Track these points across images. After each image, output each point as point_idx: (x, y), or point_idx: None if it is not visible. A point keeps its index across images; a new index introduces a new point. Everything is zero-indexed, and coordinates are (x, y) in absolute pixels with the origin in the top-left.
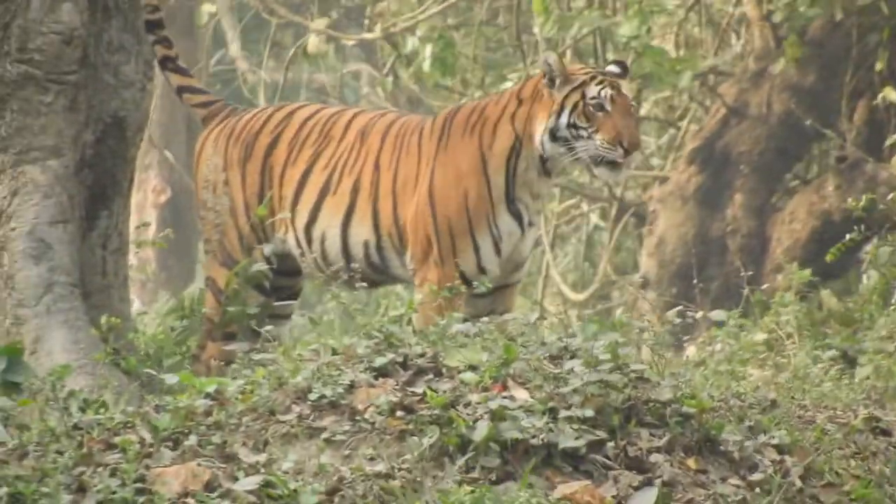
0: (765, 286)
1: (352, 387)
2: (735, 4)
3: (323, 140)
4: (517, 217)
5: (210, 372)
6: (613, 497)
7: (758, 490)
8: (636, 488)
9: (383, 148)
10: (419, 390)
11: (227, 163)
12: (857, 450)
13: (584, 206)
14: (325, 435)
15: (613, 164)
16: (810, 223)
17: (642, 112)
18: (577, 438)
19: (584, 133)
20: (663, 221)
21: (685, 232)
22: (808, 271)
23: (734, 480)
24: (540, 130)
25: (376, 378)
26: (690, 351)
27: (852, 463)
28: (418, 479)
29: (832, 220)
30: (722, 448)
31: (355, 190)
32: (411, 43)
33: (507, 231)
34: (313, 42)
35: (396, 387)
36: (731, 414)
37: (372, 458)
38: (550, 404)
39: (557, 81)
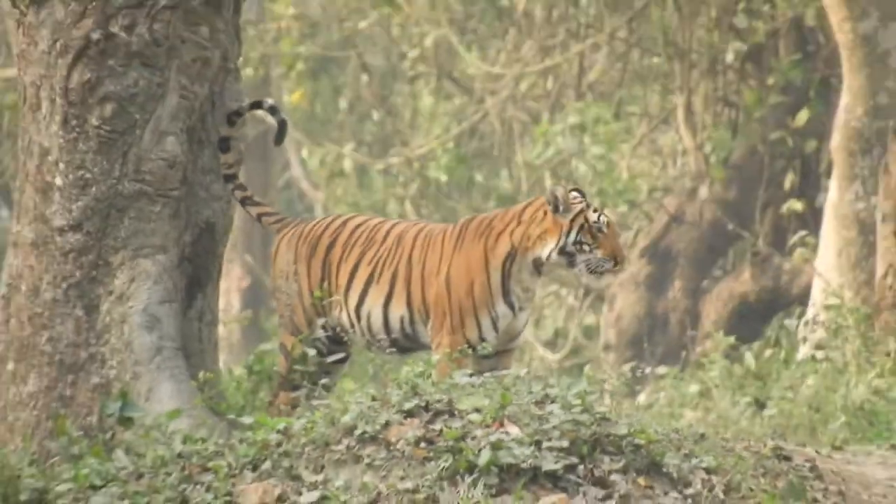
0: (698, 349)
1: (387, 424)
2: (678, 141)
3: (368, 242)
4: (510, 305)
5: (280, 414)
6: None
7: (691, 501)
8: (600, 500)
9: (414, 247)
10: (437, 427)
11: (297, 258)
12: (766, 471)
13: (563, 291)
14: (366, 461)
15: (602, 274)
16: (732, 302)
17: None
18: (556, 463)
19: (587, 249)
20: (620, 301)
21: (638, 309)
22: (730, 338)
23: (674, 494)
24: (551, 245)
25: (405, 418)
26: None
27: (762, 481)
28: (437, 493)
29: (748, 300)
30: (664, 470)
31: (394, 278)
32: (433, 167)
33: (502, 314)
34: (347, 164)
35: (420, 425)
36: (671, 444)
37: (402, 478)
38: (536, 437)
39: (561, 208)
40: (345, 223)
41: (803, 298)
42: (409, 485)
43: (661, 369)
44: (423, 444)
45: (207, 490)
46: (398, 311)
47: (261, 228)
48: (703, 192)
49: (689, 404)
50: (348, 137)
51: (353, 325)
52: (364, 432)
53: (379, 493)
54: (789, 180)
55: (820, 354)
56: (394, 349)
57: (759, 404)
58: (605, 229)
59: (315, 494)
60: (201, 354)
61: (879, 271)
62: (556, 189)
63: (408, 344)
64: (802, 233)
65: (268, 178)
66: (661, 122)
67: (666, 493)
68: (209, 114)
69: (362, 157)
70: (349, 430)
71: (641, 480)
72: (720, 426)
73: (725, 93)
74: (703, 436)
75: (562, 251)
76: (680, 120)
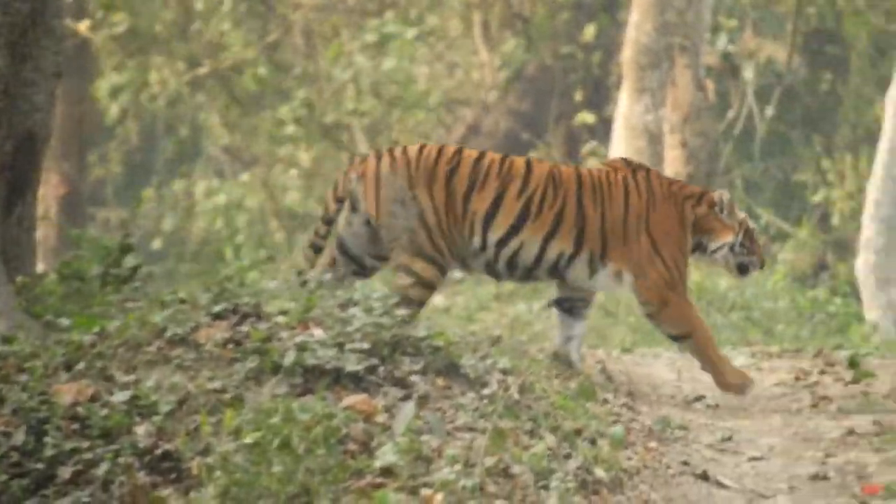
0: None
1: (196, 327)
2: (474, 53)
3: (507, 177)
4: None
5: None
6: (384, 406)
7: (487, 401)
8: (401, 400)
9: (583, 190)
10: (245, 329)
11: (412, 183)
12: (559, 372)
13: None
14: (176, 362)
15: (749, 272)
16: None
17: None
18: (358, 364)
19: (745, 251)
20: None
21: None
22: None
23: (471, 394)
24: (727, 241)
25: (214, 320)
26: (439, 301)
27: (555, 382)
28: (243, 393)
29: None
30: (462, 371)
31: (559, 217)
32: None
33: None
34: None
35: (228, 327)
36: (468, 346)
37: (210, 378)
38: (339, 339)
39: (726, 211)
40: (459, 154)
41: None
42: (216, 385)
43: (458, 274)
44: (230, 346)
45: (23, 390)
46: (561, 247)
47: (80, 138)
48: (497, 102)
49: (485, 308)
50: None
51: (484, 250)
52: (175, 334)
53: (188, 393)
54: (580, 93)
55: None
56: (525, 279)
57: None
58: (755, 236)
59: (126, 394)
60: (20, 259)
61: None
62: (725, 193)
63: (545, 277)
64: (593, 143)
65: (83, 93)
66: (459, 36)
67: (463, 394)
68: (30, 29)
69: (170, 71)
70: (160, 332)
71: (440, 381)
72: (516, 329)
73: (519, 9)
74: (499, 338)
75: (731, 248)
76: (476, 35)
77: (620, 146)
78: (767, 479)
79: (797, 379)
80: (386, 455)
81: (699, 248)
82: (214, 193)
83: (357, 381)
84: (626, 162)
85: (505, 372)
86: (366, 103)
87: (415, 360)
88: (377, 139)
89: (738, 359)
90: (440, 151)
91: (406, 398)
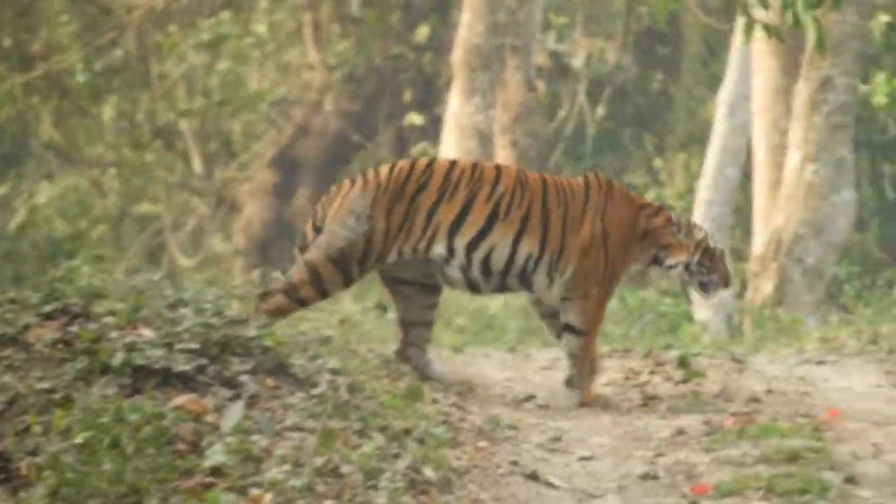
0: None
1: (26, 326)
2: (301, 54)
3: (476, 182)
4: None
5: (266, 313)
6: (213, 406)
7: (316, 401)
8: (230, 400)
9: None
10: (74, 329)
11: (374, 204)
12: (388, 372)
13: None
14: (6, 362)
15: (710, 291)
16: None
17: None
18: (187, 364)
19: (704, 270)
20: (249, 208)
21: (266, 216)
22: None
23: (300, 394)
24: (682, 259)
25: (44, 320)
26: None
27: (385, 382)
28: (73, 393)
29: None
30: (291, 371)
31: (525, 218)
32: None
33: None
34: None
35: (58, 327)
36: (298, 346)
37: (40, 379)
38: (168, 339)
39: (683, 231)
40: (430, 168)
41: None
42: (46, 385)
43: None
44: (60, 346)
45: None
46: (529, 248)
47: None
48: (328, 104)
49: (315, 308)
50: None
51: (451, 259)
52: (4, 334)
53: (17, 393)
54: (409, 93)
55: None
56: (500, 287)
57: (383, 308)
58: (717, 255)
59: None
60: None
61: None
62: (683, 215)
63: (516, 285)
64: (423, 143)
65: None
66: (290, 37)
67: (293, 394)
68: None
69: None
70: None
71: (269, 381)
72: (345, 329)
73: (350, 10)
74: (328, 338)
75: (686, 267)
76: (307, 35)
77: (451, 146)
78: (597, 478)
79: (627, 379)
80: (215, 455)
81: (656, 261)
82: (36, 194)
83: (186, 382)
84: (594, 173)
85: (334, 372)
86: (197, 102)
87: (244, 361)
88: (208, 143)
89: None
90: (411, 168)
91: (235, 398)
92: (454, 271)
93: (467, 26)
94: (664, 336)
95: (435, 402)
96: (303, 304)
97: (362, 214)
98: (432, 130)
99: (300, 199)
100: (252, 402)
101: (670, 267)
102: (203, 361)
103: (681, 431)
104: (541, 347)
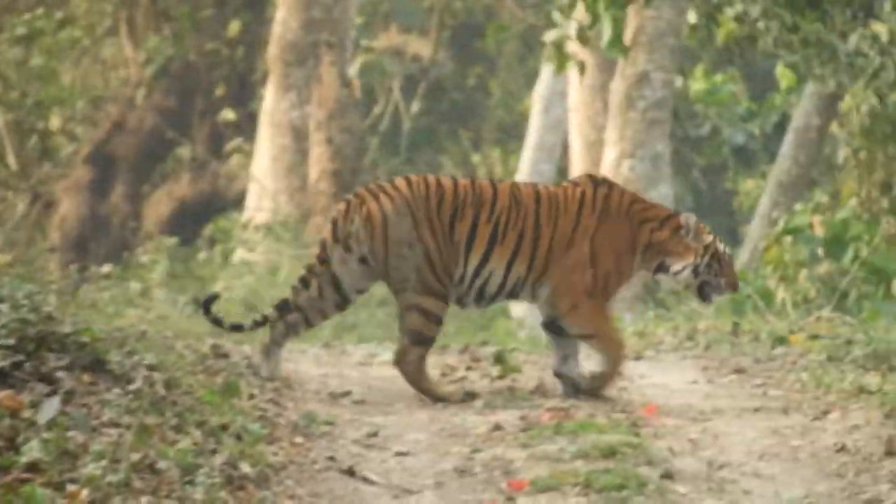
0: (139, 250)
1: None
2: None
3: (479, 202)
4: None
5: (412, 369)
6: (30, 402)
7: (133, 397)
8: (46, 395)
9: (540, 208)
10: None
11: (415, 222)
12: (205, 368)
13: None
14: None
15: (711, 295)
16: (171, 206)
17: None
18: (3, 360)
19: (713, 273)
20: (65, 204)
21: (82, 212)
22: (171, 240)
23: (117, 390)
24: (689, 262)
25: None
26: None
27: (202, 378)
28: None
29: (187, 203)
30: (108, 367)
31: (519, 239)
32: None
33: None
34: None
35: None
36: (114, 342)
37: None
38: None
39: (691, 234)
40: (439, 185)
41: (239, 203)
42: None
43: (105, 269)
44: None
45: None
46: (519, 271)
47: None
48: (143, 100)
49: (131, 303)
50: None
51: (463, 282)
52: None
53: None
54: (222, 89)
55: (255, 256)
56: (488, 305)
57: (198, 303)
58: (725, 259)
59: None
60: None
61: (312, 176)
62: (691, 217)
63: (503, 300)
64: (238, 140)
65: None
66: (106, 33)
67: (109, 389)
68: None
69: None
70: None
71: (86, 377)
72: (161, 324)
73: (165, 6)
74: (144, 333)
75: (695, 270)
76: (122, 32)
77: (265, 143)
78: (413, 474)
79: (444, 375)
80: (31, 451)
81: (661, 268)
82: None
83: (2, 378)
84: (591, 178)
85: (151, 368)
86: (11, 98)
87: (60, 356)
88: (25, 140)
89: (383, 355)
90: (426, 182)
91: (51, 394)
92: (452, 293)
93: (282, 22)
94: (481, 332)
95: (252, 397)
96: (432, 343)
97: (412, 241)
98: (247, 127)
99: (116, 195)
100: (68, 397)
101: (677, 272)
102: (19, 357)
103: (497, 427)
104: (357, 343)
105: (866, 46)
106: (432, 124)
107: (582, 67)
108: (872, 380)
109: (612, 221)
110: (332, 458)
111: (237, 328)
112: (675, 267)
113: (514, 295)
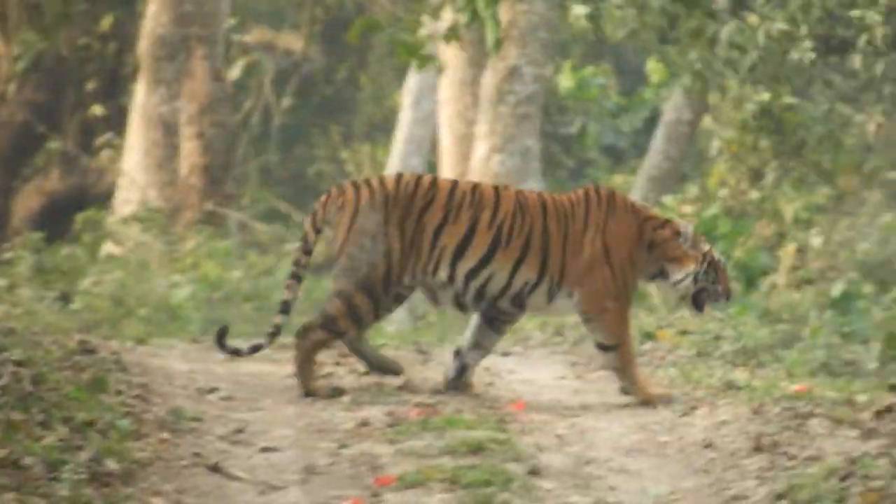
0: (6, 245)
1: None
2: None
3: (478, 206)
4: None
5: (306, 349)
6: None
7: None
8: None
9: (547, 216)
10: None
11: (387, 220)
12: (72, 364)
13: None
14: None
15: (705, 303)
16: (40, 200)
17: None
18: None
19: (711, 281)
20: None
21: None
22: (39, 235)
23: None
24: (690, 269)
25: None
26: None
27: (69, 374)
28: None
29: (56, 198)
30: None
31: (526, 244)
32: None
33: None
34: None
35: None
36: None
37: None
38: None
39: (689, 242)
40: (434, 185)
41: (109, 197)
42: None
43: None
44: None
45: None
46: (527, 276)
47: None
48: (14, 95)
49: None
50: None
51: (452, 283)
52: None
53: None
54: (94, 84)
55: (124, 250)
56: (489, 309)
57: (66, 299)
58: (721, 266)
59: None
60: None
61: (183, 171)
62: (689, 225)
63: (507, 306)
64: (109, 134)
65: None
66: None
67: None
68: None
69: None
70: None
71: None
72: (28, 320)
73: (36, 1)
74: (11, 329)
75: (695, 277)
76: None
77: (136, 137)
78: (280, 470)
79: None
80: None
81: (661, 274)
82: None
83: None
84: (595, 185)
85: (18, 363)
86: None
87: None
88: None
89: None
90: (418, 183)
91: None
92: (447, 296)
93: (153, 17)
94: None
95: (119, 393)
96: (341, 336)
97: (378, 234)
98: (118, 121)
99: None
100: None
101: (678, 281)
102: None
103: (364, 423)
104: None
105: (742, 39)
106: (303, 119)
107: (441, 67)
108: (740, 375)
109: (619, 215)
110: (198, 455)
111: (256, 349)
112: (676, 275)
113: (521, 300)
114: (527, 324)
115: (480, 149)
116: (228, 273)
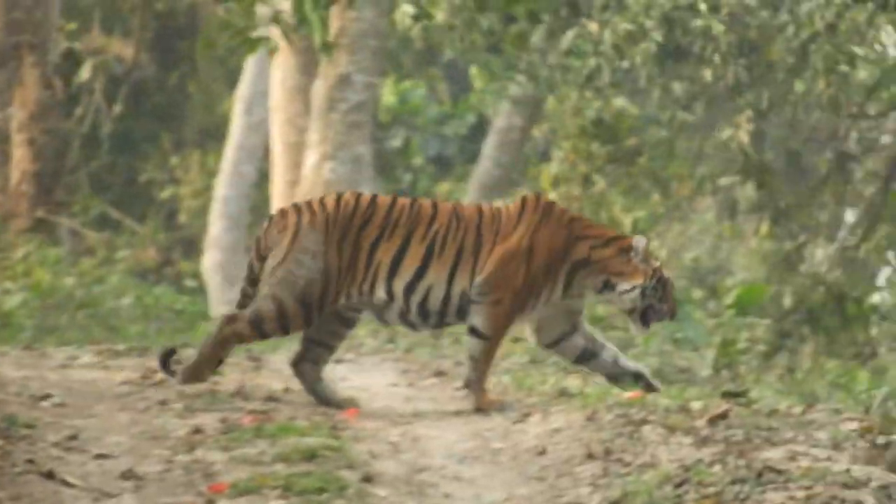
0: None
1: None
2: None
3: (414, 221)
4: None
5: (224, 337)
6: None
7: None
8: None
9: (482, 224)
10: None
11: (327, 240)
12: None
13: None
14: None
15: (652, 320)
16: None
17: None
18: None
19: (657, 297)
20: None
21: None
22: None
23: None
24: (637, 283)
25: None
26: None
27: None
28: None
29: None
30: None
31: (459, 254)
32: None
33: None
34: None
35: None
36: None
37: None
38: None
39: (640, 257)
40: (373, 203)
41: None
42: None
43: None
44: None
45: None
46: (462, 284)
47: None
48: None
49: None
50: None
51: (392, 300)
52: None
53: None
54: None
55: None
56: (438, 326)
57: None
58: (669, 286)
59: None
60: None
61: (14, 178)
62: (642, 240)
63: (454, 321)
64: None
65: None
66: None
67: None
68: None
69: None
70: None
71: None
72: None
73: None
74: None
75: (643, 292)
76: None
77: None
78: (113, 477)
79: (144, 378)
80: None
81: (606, 286)
82: None
83: None
84: (536, 194)
85: None
86: None
87: None
88: None
89: (84, 357)
90: (357, 202)
91: None
92: (392, 315)
93: None
94: (182, 334)
95: None
96: (264, 337)
97: (317, 252)
98: None
99: None
100: None
101: (624, 292)
102: None
103: (198, 430)
104: (57, 346)
105: (582, 45)
106: (134, 126)
107: (274, 49)
108: (573, 382)
109: (552, 225)
110: (31, 461)
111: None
112: (623, 286)
113: (463, 310)
114: (359, 331)
115: (312, 156)
116: (60, 280)
